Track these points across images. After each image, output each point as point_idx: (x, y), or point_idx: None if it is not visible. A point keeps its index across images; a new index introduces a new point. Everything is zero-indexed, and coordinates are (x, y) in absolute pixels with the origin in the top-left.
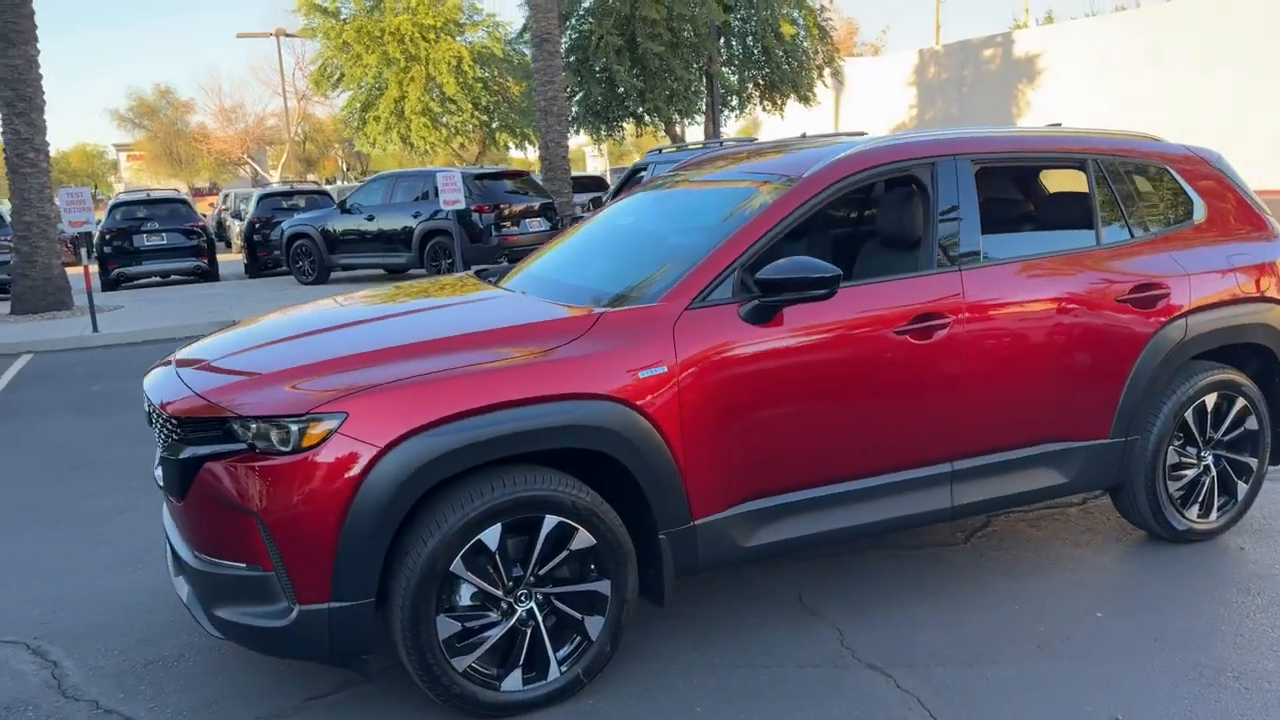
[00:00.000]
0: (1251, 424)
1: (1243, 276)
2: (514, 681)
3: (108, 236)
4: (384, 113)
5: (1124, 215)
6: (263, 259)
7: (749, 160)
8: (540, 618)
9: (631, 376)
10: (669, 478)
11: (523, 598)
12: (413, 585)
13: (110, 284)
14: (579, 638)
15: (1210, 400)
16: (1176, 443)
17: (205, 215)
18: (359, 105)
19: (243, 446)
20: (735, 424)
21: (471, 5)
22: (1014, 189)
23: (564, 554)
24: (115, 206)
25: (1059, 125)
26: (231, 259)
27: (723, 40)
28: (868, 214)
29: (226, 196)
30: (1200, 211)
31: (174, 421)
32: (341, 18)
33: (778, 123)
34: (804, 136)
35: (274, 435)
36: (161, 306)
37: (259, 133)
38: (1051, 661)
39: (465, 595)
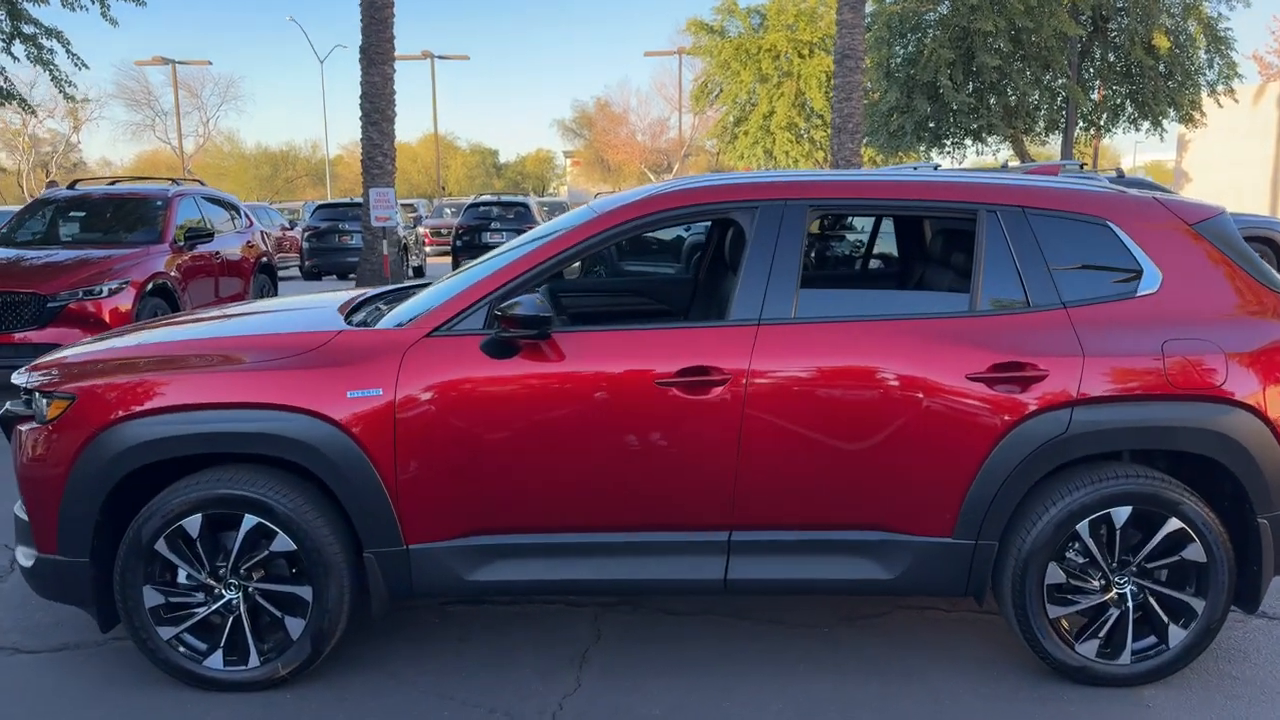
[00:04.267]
0: (1194, 554)
1: (1180, 366)
2: (216, 660)
3: (460, 232)
4: (753, 127)
5: (1020, 278)
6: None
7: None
8: (242, 608)
9: (340, 396)
10: (375, 499)
11: (229, 586)
12: (123, 554)
13: None
14: (281, 634)
15: (1121, 514)
16: (1072, 559)
17: None
18: (731, 120)
19: (31, 413)
20: (459, 456)
21: None
22: (876, 241)
23: (264, 553)
24: (470, 207)
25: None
26: None
27: (1086, 53)
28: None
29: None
30: (1152, 280)
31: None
32: (728, 36)
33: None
34: (1004, 167)
35: (37, 406)
36: None
37: (661, 144)
38: None
39: (181, 575)
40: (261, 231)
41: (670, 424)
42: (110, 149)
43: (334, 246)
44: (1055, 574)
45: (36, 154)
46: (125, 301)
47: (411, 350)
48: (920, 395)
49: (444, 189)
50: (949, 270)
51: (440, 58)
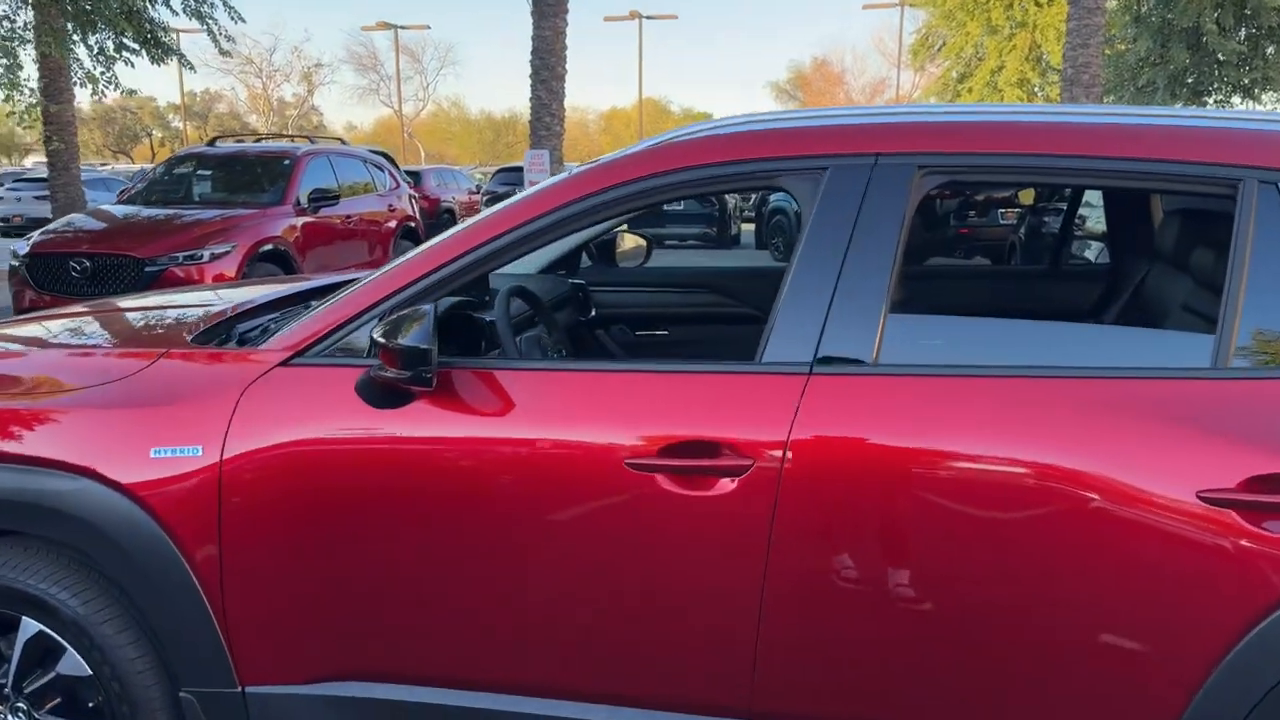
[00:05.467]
0: None
1: None
2: None
3: None
4: (978, 84)
5: None
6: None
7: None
8: None
9: (141, 453)
10: (190, 614)
11: (16, 710)
12: None
13: None
14: None
15: None
16: None
17: None
18: (954, 76)
19: None
20: (317, 558)
21: None
22: (1038, 229)
23: (51, 675)
24: None
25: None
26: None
27: None
28: None
29: None
30: None
31: None
32: None
33: None
34: None
35: None
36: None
37: (879, 105)
38: None
39: None
40: (410, 195)
41: (648, 533)
42: (343, 112)
43: None
44: None
45: (280, 117)
46: (229, 266)
47: (254, 387)
48: (1105, 522)
49: None
50: (1178, 285)
51: (648, 18)
